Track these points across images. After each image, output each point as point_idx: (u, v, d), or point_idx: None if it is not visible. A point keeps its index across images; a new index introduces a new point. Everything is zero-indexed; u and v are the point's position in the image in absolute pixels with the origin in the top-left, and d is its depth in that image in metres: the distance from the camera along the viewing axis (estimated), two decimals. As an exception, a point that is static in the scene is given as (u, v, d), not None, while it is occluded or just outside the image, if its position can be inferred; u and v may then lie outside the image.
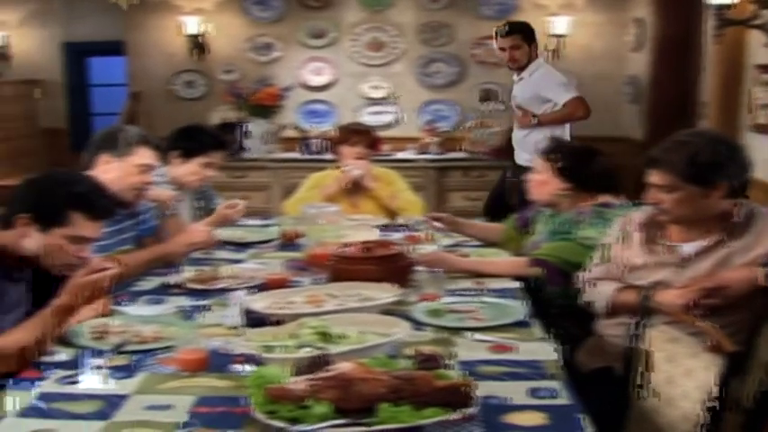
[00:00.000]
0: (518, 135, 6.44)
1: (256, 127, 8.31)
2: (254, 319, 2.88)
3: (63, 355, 2.67)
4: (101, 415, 2.21)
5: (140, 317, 2.99)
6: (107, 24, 9.48)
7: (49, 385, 2.43)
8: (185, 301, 3.30)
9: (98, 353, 2.63)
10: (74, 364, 2.58)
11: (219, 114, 8.38)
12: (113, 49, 9.43)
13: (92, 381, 2.45)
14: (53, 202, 2.76)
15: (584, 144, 4.08)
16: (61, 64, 10.29)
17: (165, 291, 3.47)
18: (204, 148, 4.39)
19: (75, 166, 2.98)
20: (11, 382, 2.46)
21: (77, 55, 10.37)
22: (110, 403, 2.28)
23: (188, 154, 4.35)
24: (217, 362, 2.55)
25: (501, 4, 8.65)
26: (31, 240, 2.74)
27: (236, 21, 8.93)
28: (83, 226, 2.79)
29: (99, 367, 2.53)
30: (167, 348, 2.69)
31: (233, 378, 2.44)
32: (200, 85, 9.04)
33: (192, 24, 8.77)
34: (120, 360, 2.60)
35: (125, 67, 9.33)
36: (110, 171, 3.45)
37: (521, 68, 6.31)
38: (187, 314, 3.12)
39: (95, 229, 2.85)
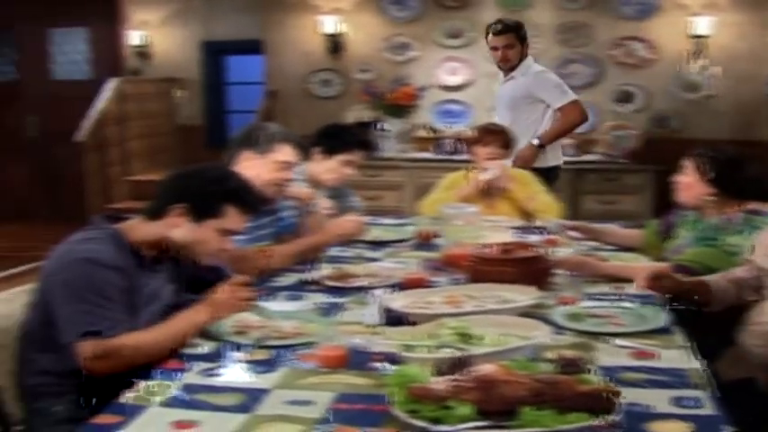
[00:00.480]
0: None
1: (390, 126, 8.34)
2: (393, 318, 2.88)
3: (205, 347, 2.71)
4: (242, 408, 2.23)
5: (280, 312, 3.01)
6: (245, 23, 9.65)
7: (192, 377, 2.47)
8: (323, 298, 3.32)
9: (239, 347, 2.68)
10: (216, 357, 2.62)
11: (354, 113, 8.44)
12: (251, 47, 9.57)
13: (234, 374, 2.48)
14: (211, 194, 2.83)
15: (735, 149, 3.95)
16: (199, 62, 10.50)
17: (302, 287, 3.49)
18: (347, 146, 4.41)
19: (210, 163, 3.02)
20: (156, 372, 2.50)
21: (215, 53, 10.56)
22: (251, 397, 2.30)
23: (330, 151, 4.37)
24: (356, 359, 2.55)
25: (641, 4, 8.46)
26: (181, 230, 2.80)
27: (374, 20, 8.98)
28: (234, 219, 2.86)
29: (240, 361, 2.58)
30: (307, 344, 2.70)
31: (372, 376, 2.42)
32: (336, 83, 9.11)
33: (330, 24, 8.86)
34: (261, 354, 2.63)
35: (262, 66, 9.47)
36: (251, 168, 3.48)
37: (512, 68, 6.12)
38: (325, 311, 3.14)
39: (243, 223, 2.90)
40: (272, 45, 9.25)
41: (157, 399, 2.30)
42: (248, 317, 2.89)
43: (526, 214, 4.93)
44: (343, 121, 6.42)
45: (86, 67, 11.03)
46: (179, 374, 2.48)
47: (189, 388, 2.38)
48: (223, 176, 2.94)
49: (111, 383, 2.63)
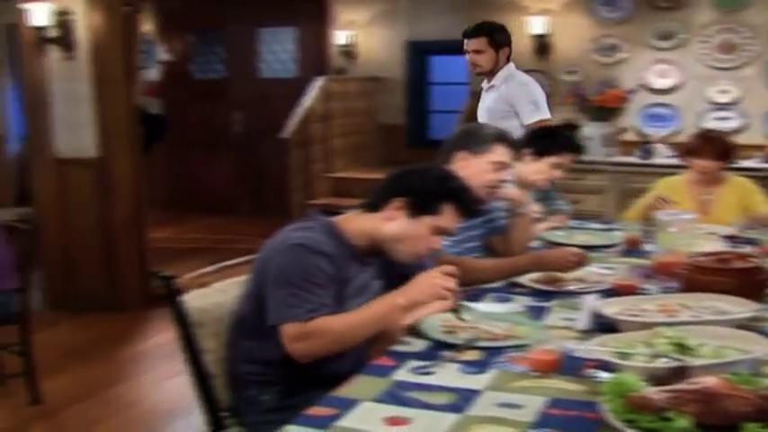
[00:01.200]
0: None
1: (595, 129, 8.21)
2: (604, 325, 2.83)
3: (416, 345, 2.73)
4: (454, 408, 2.22)
5: (489, 314, 3.00)
6: (450, 24, 9.65)
7: (403, 374, 2.48)
8: (530, 301, 3.29)
9: (450, 346, 2.68)
10: (426, 356, 2.63)
11: (560, 115, 8.34)
12: (455, 48, 9.59)
13: (444, 373, 2.48)
14: (432, 191, 2.84)
15: None
16: (403, 62, 10.61)
17: (510, 289, 3.47)
18: (558, 148, 4.36)
19: (410, 162, 3.03)
20: (368, 367, 2.54)
21: (420, 53, 10.65)
22: (463, 397, 2.29)
23: (540, 153, 4.33)
24: (568, 364, 2.50)
25: None
26: (395, 224, 2.82)
27: (583, 21, 8.84)
28: (450, 219, 2.85)
29: (451, 361, 2.57)
30: (518, 347, 2.68)
31: (585, 382, 2.38)
32: (542, 85, 8.96)
33: (538, 24, 8.78)
34: (472, 355, 2.62)
35: (466, 66, 9.47)
36: (465, 168, 3.47)
37: (489, 74, 5.72)
38: (535, 314, 3.10)
39: (457, 224, 2.90)
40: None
41: (370, 394, 2.32)
42: (457, 316, 2.88)
43: (742, 222, 4.74)
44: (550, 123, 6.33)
45: (293, 65, 11.35)
46: (391, 371, 2.50)
47: (401, 385, 2.39)
48: (446, 176, 2.96)
49: (319, 375, 2.69)
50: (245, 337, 2.84)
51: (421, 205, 2.82)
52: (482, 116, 5.76)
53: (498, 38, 5.67)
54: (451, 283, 2.71)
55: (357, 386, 2.40)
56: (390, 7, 10.44)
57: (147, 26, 11.49)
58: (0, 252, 4.63)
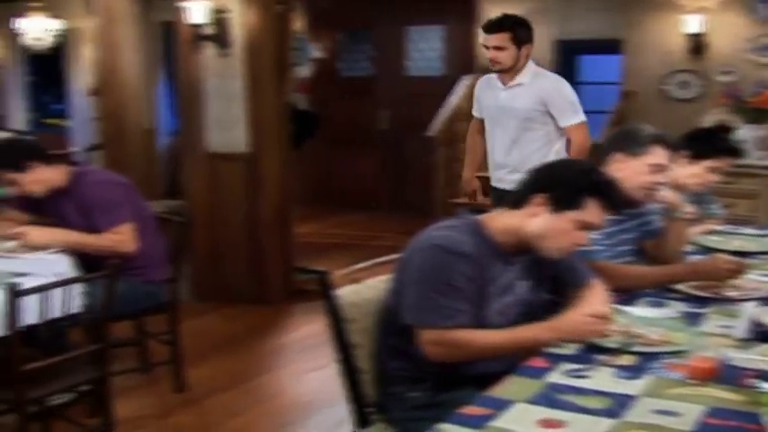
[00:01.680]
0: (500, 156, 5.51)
1: (750, 131, 7.98)
2: (764, 334, 2.75)
3: (569, 348, 2.70)
4: (610, 413, 2.19)
5: (644, 318, 2.95)
6: (602, 22, 9.53)
7: (557, 376, 2.46)
8: (686, 307, 3.20)
9: (604, 350, 2.64)
10: (580, 359, 2.60)
11: (712, 117, 8.15)
12: (606, 47, 9.47)
13: (599, 377, 2.45)
14: (574, 184, 2.79)
15: None
16: (552, 61, 10.50)
17: (664, 294, 3.39)
18: (716, 152, 4.25)
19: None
20: (522, 368, 2.53)
21: (569, 53, 10.52)
22: (618, 402, 2.26)
23: (698, 156, 4.23)
24: (727, 373, 2.44)
25: None
26: (538, 220, 2.79)
27: (739, 20, 8.58)
28: (594, 213, 2.79)
29: (605, 365, 2.54)
30: (675, 353, 2.62)
31: (746, 392, 2.30)
32: (694, 85, 8.81)
33: (693, 23, 8.58)
34: (626, 360, 2.58)
35: (618, 66, 9.34)
36: (622, 170, 3.42)
37: (509, 72, 5.31)
38: (690, 320, 3.03)
39: (602, 219, 2.84)
40: (631, 44, 9.11)
41: (524, 395, 2.31)
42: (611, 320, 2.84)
43: None
44: (703, 125, 6.19)
45: (440, 64, 11.35)
46: (544, 373, 2.49)
47: (554, 387, 2.37)
48: (589, 169, 2.90)
49: (467, 373, 2.69)
50: (393, 333, 2.85)
51: (563, 200, 2.77)
52: (507, 118, 5.40)
53: (521, 34, 5.28)
54: (604, 328, 2.69)
55: (510, 387, 2.39)
56: (540, 5, 10.32)
57: (298, 24, 11.67)
58: (153, 243, 4.74)
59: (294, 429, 4.82)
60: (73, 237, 4.43)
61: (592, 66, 10.72)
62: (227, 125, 6.98)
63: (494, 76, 5.47)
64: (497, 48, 5.23)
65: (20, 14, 10.95)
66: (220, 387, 5.25)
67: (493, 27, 5.28)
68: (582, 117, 5.30)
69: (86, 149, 10.82)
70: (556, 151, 5.31)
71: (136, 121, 9.34)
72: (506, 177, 5.37)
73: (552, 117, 5.28)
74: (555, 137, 5.35)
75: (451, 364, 2.71)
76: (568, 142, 5.35)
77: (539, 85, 5.29)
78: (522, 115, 5.30)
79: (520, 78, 5.32)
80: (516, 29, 5.26)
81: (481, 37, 5.41)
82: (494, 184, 5.61)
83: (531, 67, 5.35)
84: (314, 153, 11.61)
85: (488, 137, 5.61)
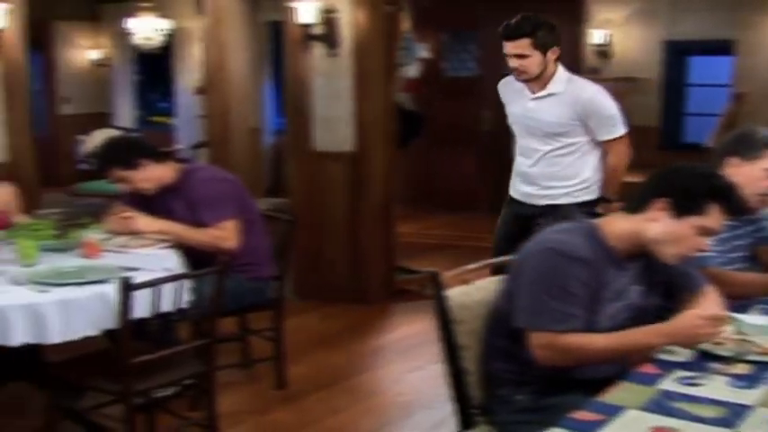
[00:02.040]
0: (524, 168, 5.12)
1: None
2: None
3: (681, 354, 2.65)
4: (724, 422, 2.14)
5: (757, 326, 2.87)
6: (713, 23, 9.37)
7: (670, 383, 2.42)
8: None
9: (718, 358, 2.59)
10: (693, 366, 2.55)
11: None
12: (717, 48, 9.29)
13: (713, 386, 2.40)
14: (697, 189, 2.74)
15: None
16: (660, 62, 10.35)
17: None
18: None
19: (662, 165, 2.92)
20: (634, 375, 2.49)
21: (678, 54, 10.35)
22: (733, 412, 2.21)
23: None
24: None
25: None
26: (658, 225, 2.74)
27: None
28: (715, 219, 2.73)
29: (719, 373, 2.49)
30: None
31: None
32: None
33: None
34: (741, 369, 2.53)
35: (729, 67, 9.15)
36: (736, 175, 3.32)
37: (537, 80, 4.73)
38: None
39: (721, 224, 2.78)
40: (744, 45, 8.92)
41: (636, 402, 2.28)
42: (725, 328, 2.78)
43: None
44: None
45: (544, 65, 11.24)
46: (656, 379, 2.45)
47: (667, 394, 2.33)
48: (711, 174, 2.84)
49: (575, 377, 2.66)
50: (501, 334, 2.84)
51: (685, 205, 2.72)
52: (538, 130, 4.86)
53: (543, 37, 4.67)
54: (718, 331, 2.63)
55: (622, 392, 2.35)
56: (649, 6, 10.20)
57: (406, 24, 11.70)
58: (259, 241, 4.79)
59: (393, 429, 4.82)
60: (176, 228, 4.50)
61: (702, 67, 10.52)
62: (333, 124, 7.01)
63: (516, 84, 4.91)
64: (519, 56, 4.69)
65: (130, 14, 11.20)
66: (320, 385, 5.26)
67: (510, 33, 4.76)
68: (623, 129, 4.81)
69: (191, 147, 10.99)
70: (592, 166, 4.87)
71: (242, 120, 9.46)
72: (533, 192, 5.11)
73: (588, 130, 4.78)
74: (588, 149, 4.83)
75: (560, 367, 2.68)
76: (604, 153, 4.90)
77: (575, 97, 4.72)
78: (554, 130, 4.78)
79: (552, 87, 4.76)
80: (537, 32, 4.67)
81: (503, 45, 4.81)
82: (512, 194, 5.37)
83: (562, 73, 4.79)
84: (416, 153, 11.62)
85: (516, 144, 5.22)
